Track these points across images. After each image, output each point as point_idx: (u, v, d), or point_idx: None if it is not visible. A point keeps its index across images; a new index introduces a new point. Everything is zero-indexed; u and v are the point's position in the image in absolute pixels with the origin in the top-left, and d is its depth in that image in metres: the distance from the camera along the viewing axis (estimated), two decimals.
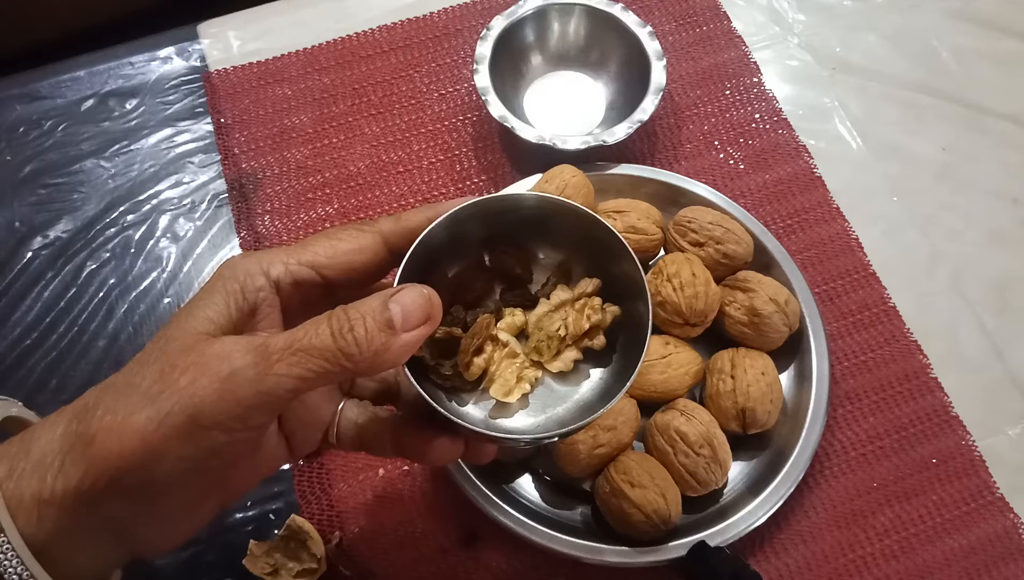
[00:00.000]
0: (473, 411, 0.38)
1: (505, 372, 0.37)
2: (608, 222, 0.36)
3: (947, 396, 0.53)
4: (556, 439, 0.37)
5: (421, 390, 0.33)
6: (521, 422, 0.37)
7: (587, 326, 0.37)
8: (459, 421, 0.33)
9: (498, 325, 0.38)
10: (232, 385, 0.28)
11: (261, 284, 0.32)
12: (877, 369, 0.54)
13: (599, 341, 0.38)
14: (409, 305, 0.31)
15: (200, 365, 0.29)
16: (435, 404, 0.33)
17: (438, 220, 0.34)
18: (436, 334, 0.36)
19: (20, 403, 0.36)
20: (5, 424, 0.35)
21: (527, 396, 0.38)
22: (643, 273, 0.36)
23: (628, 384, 0.34)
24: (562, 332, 0.38)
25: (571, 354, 0.38)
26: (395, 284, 0.33)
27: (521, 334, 0.39)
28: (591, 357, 0.39)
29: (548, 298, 0.39)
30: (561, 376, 0.38)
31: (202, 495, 0.32)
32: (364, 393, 0.39)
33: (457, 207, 0.35)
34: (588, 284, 0.38)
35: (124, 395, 0.29)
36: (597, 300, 0.38)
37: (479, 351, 0.37)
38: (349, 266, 0.34)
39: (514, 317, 0.39)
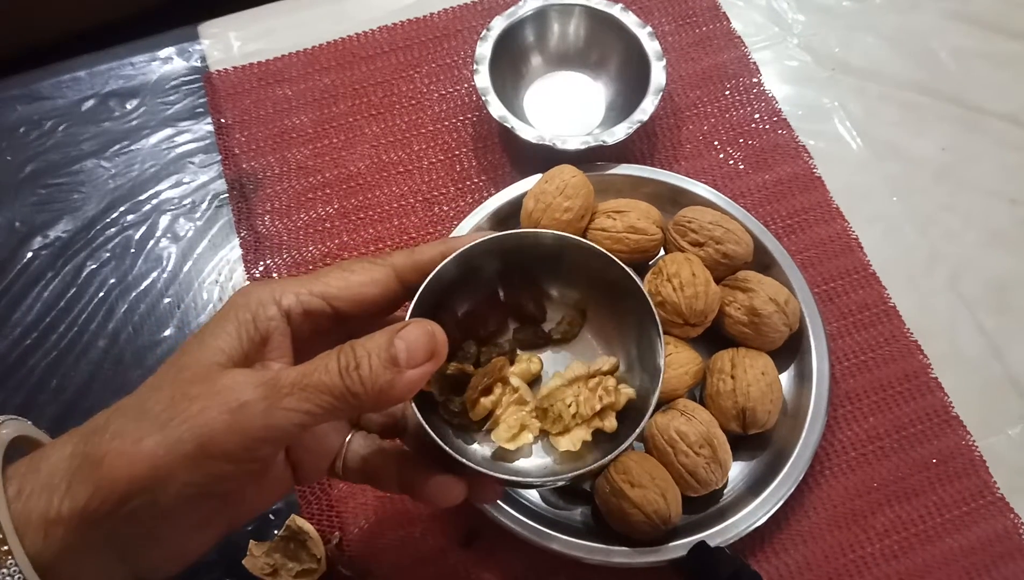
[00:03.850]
0: (479, 450, 0.37)
1: (510, 418, 0.37)
2: (629, 269, 0.35)
3: (947, 396, 0.53)
4: (565, 483, 0.37)
5: (427, 426, 0.33)
6: (525, 464, 0.37)
7: (599, 407, 0.37)
8: (463, 460, 0.33)
9: (512, 369, 0.38)
10: (241, 417, 0.29)
11: (273, 313, 0.32)
12: (877, 369, 0.54)
13: (610, 423, 0.38)
14: (413, 342, 0.31)
15: (211, 395, 0.29)
16: (440, 441, 0.33)
17: (451, 257, 0.34)
18: (447, 370, 0.36)
19: (30, 422, 0.36)
20: (17, 443, 0.35)
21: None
22: (659, 323, 0.35)
23: (641, 427, 0.34)
24: (573, 409, 0.37)
25: (581, 433, 0.38)
26: (407, 318, 0.33)
27: (534, 382, 0.39)
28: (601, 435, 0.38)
29: (562, 339, 0.38)
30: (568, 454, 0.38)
31: (206, 520, 0.32)
32: (372, 426, 0.39)
33: (471, 244, 0.34)
34: (605, 362, 0.38)
35: (134, 419, 0.29)
36: (612, 380, 0.37)
37: (487, 391, 0.37)
38: (361, 298, 0.34)
39: (530, 364, 0.38)
